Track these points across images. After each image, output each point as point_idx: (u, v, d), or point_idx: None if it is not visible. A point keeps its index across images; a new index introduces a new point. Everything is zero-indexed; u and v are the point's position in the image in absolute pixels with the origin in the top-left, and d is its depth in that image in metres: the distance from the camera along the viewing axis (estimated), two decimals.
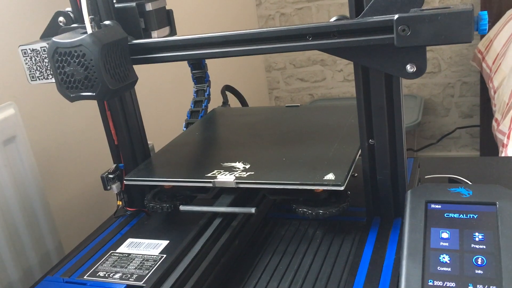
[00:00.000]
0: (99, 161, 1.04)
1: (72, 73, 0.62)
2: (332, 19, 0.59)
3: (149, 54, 0.67)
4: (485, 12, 0.52)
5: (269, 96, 2.42)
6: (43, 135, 0.98)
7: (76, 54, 0.61)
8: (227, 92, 1.01)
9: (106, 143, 0.79)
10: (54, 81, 0.65)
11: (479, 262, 0.50)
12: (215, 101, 1.00)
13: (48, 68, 0.70)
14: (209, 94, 0.94)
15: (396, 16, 0.53)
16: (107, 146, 0.79)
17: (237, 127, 0.90)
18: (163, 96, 1.42)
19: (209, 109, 0.96)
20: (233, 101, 1.03)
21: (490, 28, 1.85)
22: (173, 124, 1.17)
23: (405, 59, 0.56)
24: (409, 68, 0.56)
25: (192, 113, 0.95)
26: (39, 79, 0.71)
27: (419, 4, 0.54)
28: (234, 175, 0.68)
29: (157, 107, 1.38)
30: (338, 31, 0.57)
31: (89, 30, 0.63)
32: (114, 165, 0.79)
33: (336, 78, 2.29)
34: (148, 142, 0.82)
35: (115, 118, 0.76)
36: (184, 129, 0.93)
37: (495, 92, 1.57)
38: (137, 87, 0.71)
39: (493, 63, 1.68)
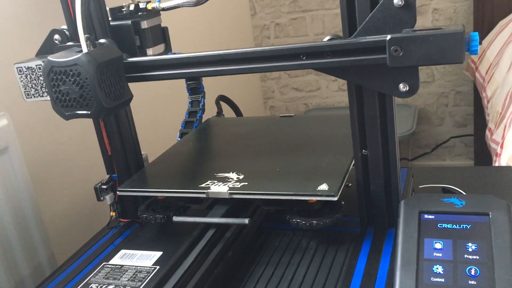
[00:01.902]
0: (92, 171, 1.04)
1: (67, 91, 0.62)
2: (326, 39, 0.59)
3: (145, 72, 0.67)
4: (476, 33, 0.52)
5: (264, 105, 2.42)
6: (36, 145, 0.98)
7: (71, 73, 0.61)
8: (221, 102, 1.01)
9: (100, 153, 0.78)
10: (49, 99, 0.65)
11: (473, 273, 0.50)
12: (210, 111, 1.00)
13: (43, 86, 0.70)
14: (203, 105, 0.95)
15: (388, 37, 0.54)
16: (100, 156, 0.78)
17: (231, 137, 0.90)
18: (157, 106, 1.42)
19: (203, 119, 0.96)
20: (228, 111, 1.03)
21: (483, 38, 1.86)
22: (167, 134, 1.17)
23: (397, 78, 0.57)
24: (402, 87, 0.57)
25: (187, 124, 0.95)
26: (34, 97, 0.71)
27: (411, 25, 0.55)
28: (228, 186, 0.68)
29: (151, 117, 1.38)
30: (332, 51, 0.58)
31: (85, 49, 0.63)
32: (108, 175, 0.78)
33: (331, 87, 2.29)
34: (142, 153, 0.82)
35: (109, 129, 0.76)
36: (179, 139, 0.93)
37: (488, 102, 1.58)
38: None
39: (486, 73, 1.69)
